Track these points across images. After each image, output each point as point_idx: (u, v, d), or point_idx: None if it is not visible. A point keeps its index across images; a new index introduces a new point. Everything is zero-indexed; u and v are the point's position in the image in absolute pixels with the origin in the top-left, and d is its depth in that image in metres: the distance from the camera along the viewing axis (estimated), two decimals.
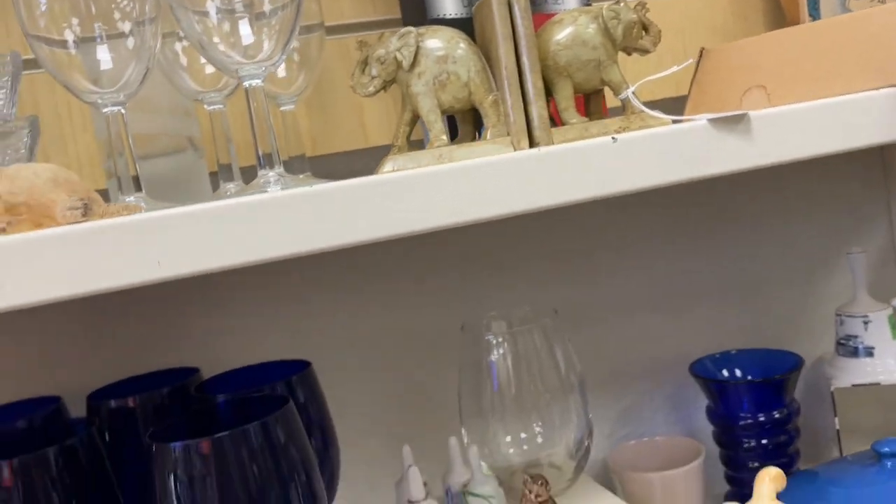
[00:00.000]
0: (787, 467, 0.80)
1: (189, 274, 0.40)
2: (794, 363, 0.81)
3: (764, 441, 0.80)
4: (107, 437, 0.61)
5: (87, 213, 0.39)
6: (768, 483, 0.64)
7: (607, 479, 0.83)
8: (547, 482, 0.66)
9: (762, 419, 0.79)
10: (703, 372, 0.83)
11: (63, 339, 0.72)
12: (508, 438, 0.72)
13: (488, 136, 0.53)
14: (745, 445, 0.80)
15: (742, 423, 0.80)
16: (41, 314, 0.71)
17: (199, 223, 0.40)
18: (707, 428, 0.85)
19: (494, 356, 0.72)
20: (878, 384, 0.82)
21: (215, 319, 0.76)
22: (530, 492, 0.65)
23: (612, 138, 0.47)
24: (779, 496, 0.64)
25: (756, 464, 0.78)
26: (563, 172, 0.46)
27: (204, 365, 0.70)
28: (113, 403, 0.62)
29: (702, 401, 0.85)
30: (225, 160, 0.64)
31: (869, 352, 0.83)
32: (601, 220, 0.89)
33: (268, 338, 0.76)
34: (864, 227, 0.98)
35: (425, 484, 0.68)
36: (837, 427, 0.84)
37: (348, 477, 0.80)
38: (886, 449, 0.71)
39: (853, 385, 0.83)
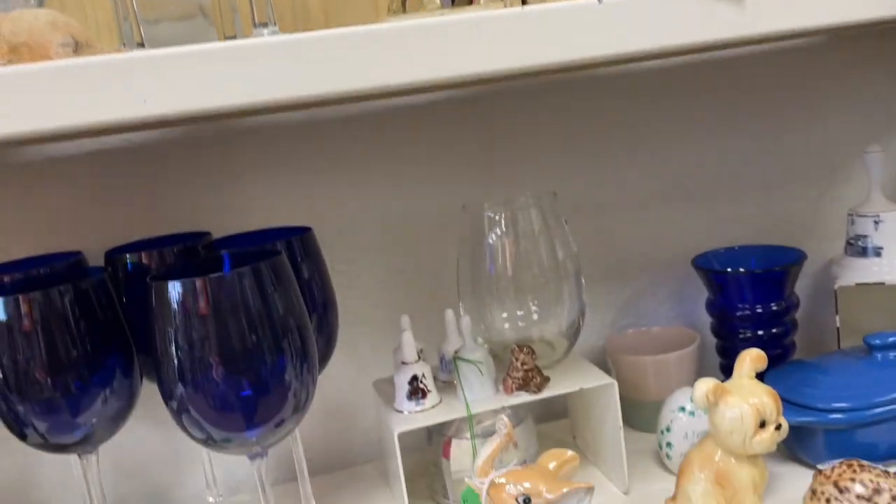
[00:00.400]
0: (781, 359, 0.81)
1: (174, 114, 0.42)
2: (795, 257, 0.81)
3: (760, 332, 0.81)
4: (122, 290, 0.66)
5: (78, 50, 0.41)
6: (748, 363, 0.65)
7: (603, 364, 0.85)
8: (533, 351, 0.68)
9: (759, 310, 0.80)
10: (706, 264, 0.84)
11: (82, 203, 0.76)
12: (504, 315, 0.75)
13: (482, 2, 0.53)
14: (741, 336, 0.81)
15: (739, 313, 0.81)
16: (61, 176, 0.76)
17: (187, 64, 0.42)
18: (707, 324, 0.86)
19: (492, 234, 0.73)
20: (882, 283, 0.82)
21: (228, 190, 0.80)
22: (517, 359, 0.68)
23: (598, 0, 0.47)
24: (767, 381, 0.66)
25: None
26: (547, 31, 0.47)
27: (215, 231, 0.74)
28: (128, 257, 0.67)
29: (704, 297, 0.86)
30: (230, 32, 0.65)
31: (877, 252, 0.83)
32: (615, 108, 0.89)
33: (278, 213, 0.79)
34: (890, 127, 0.95)
35: (420, 351, 0.71)
36: (838, 325, 0.84)
37: (353, 346, 0.85)
38: (877, 341, 0.72)
39: (857, 284, 0.82)
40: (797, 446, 0.71)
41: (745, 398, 0.63)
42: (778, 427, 0.63)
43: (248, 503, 0.79)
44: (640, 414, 0.82)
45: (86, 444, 0.61)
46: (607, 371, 0.82)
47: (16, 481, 0.78)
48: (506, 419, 0.60)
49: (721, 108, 0.92)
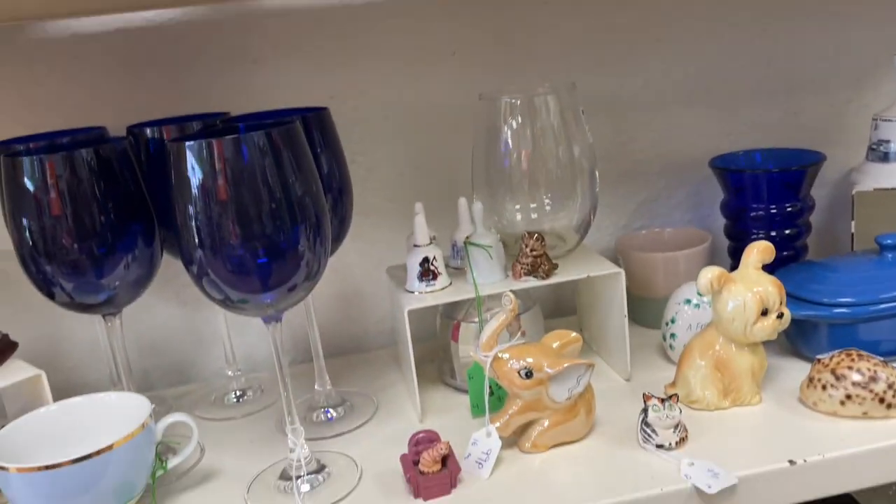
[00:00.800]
0: (791, 261, 0.81)
1: None
2: (813, 158, 0.81)
3: (773, 234, 0.81)
4: (143, 165, 0.67)
5: None
6: (755, 253, 0.66)
7: (613, 262, 0.86)
8: (543, 238, 0.70)
9: (773, 211, 0.80)
10: (723, 164, 0.84)
11: (105, 80, 0.78)
12: (517, 206, 0.76)
13: None
14: (754, 237, 0.82)
15: (753, 213, 0.81)
16: (85, 54, 0.77)
17: None
18: (721, 231, 0.87)
19: (508, 124, 0.74)
20: None
21: (247, 73, 0.80)
22: (526, 245, 0.70)
23: None
24: (777, 273, 0.66)
25: None
26: None
27: (234, 112, 0.75)
28: (148, 132, 0.68)
29: (719, 204, 0.86)
30: None
31: None
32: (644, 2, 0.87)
33: (295, 100, 0.80)
34: None
35: (433, 238, 0.73)
36: (853, 231, 0.84)
37: (368, 238, 0.87)
38: (889, 241, 0.72)
39: (875, 189, 0.82)
40: (799, 341, 0.72)
41: (749, 286, 0.64)
42: (780, 316, 0.64)
43: (265, 379, 0.83)
44: (647, 311, 0.83)
45: (110, 305, 0.64)
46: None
47: (46, 350, 0.82)
48: (511, 295, 0.61)
49: (749, 6, 0.90)
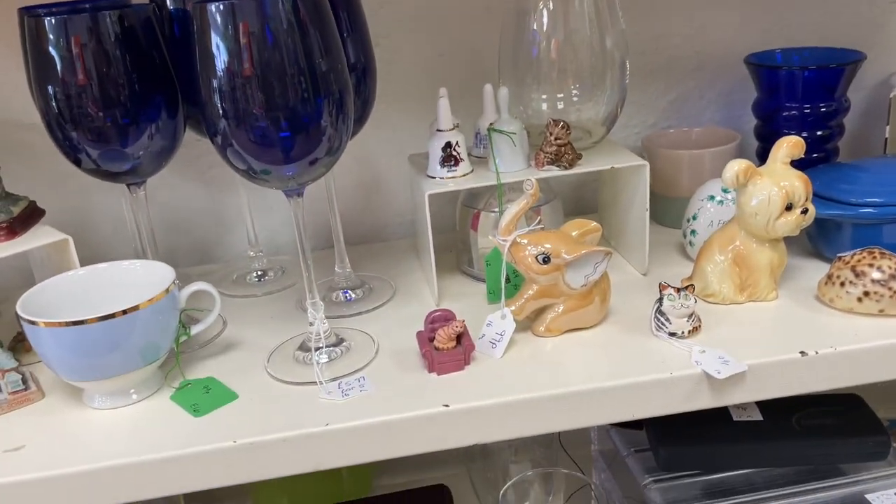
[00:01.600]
0: (822, 163, 0.80)
1: None
2: (852, 57, 0.78)
3: (804, 134, 0.79)
4: (167, 37, 0.67)
5: None
6: (785, 148, 0.65)
7: None
8: (568, 127, 0.69)
9: (807, 111, 0.78)
10: (758, 60, 0.81)
11: None
12: (543, 96, 0.74)
13: None
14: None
15: (786, 113, 0.79)
16: None
17: None
18: (752, 133, 0.85)
19: (539, 9, 0.71)
20: None
21: None
22: (550, 133, 0.69)
23: None
24: (805, 173, 0.65)
25: None
26: None
27: None
28: (170, 1, 0.67)
29: (751, 105, 0.84)
30: None
31: None
32: None
33: None
34: None
35: (457, 125, 0.72)
36: (886, 136, 0.82)
37: (391, 125, 0.86)
38: None
39: None
40: (821, 241, 0.71)
41: (776, 180, 0.63)
42: (804, 212, 0.63)
43: (287, 261, 0.84)
44: (670, 211, 0.83)
45: (135, 175, 0.65)
46: None
47: (73, 223, 0.83)
48: (533, 180, 0.61)
49: None
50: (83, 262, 0.65)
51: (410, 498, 0.78)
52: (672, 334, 0.61)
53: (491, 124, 0.70)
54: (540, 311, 0.65)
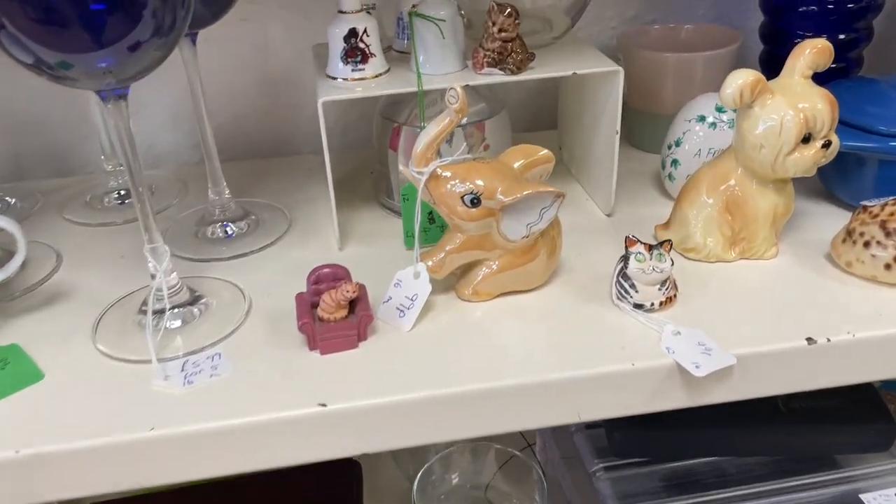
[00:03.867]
0: (842, 75, 0.63)
1: None
2: None
3: (823, 36, 0.62)
4: None
5: None
6: (808, 55, 0.48)
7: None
8: (517, 14, 0.50)
9: (830, 7, 0.61)
10: None
11: None
12: None
13: None
14: (798, 40, 0.62)
15: (802, 8, 0.61)
16: None
17: None
18: (756, 30, 0.67)
19: None
20: None
21: None
22: (493, 24, 0.51)
23: None
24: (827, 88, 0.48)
25: None
26: None
27: None
28: None
29: None
30: None
31: None
32: None
33: None
34: None
35: (372, 6, 0.53)
36: None
37: (298, 6, 0.67)
38: None
39: None
40: (838, 182, 0.56)
41: (793, 101, 0.46)
42: (826, 145, 0.47)
43: (161, 178, 0.67)
44: (650, 131, 0.66)
45: None
46: None
47: None
48: (458, 89, 0.43)
49: None
50: None
51: (312, 475, 0.64)
52: (638, 306, 0.46)
53: (414, 6, 0.52)
54: (468, 268, 0.49)
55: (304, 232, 0.58)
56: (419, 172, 0.45)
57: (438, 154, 0.46)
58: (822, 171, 0.55)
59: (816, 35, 0.61)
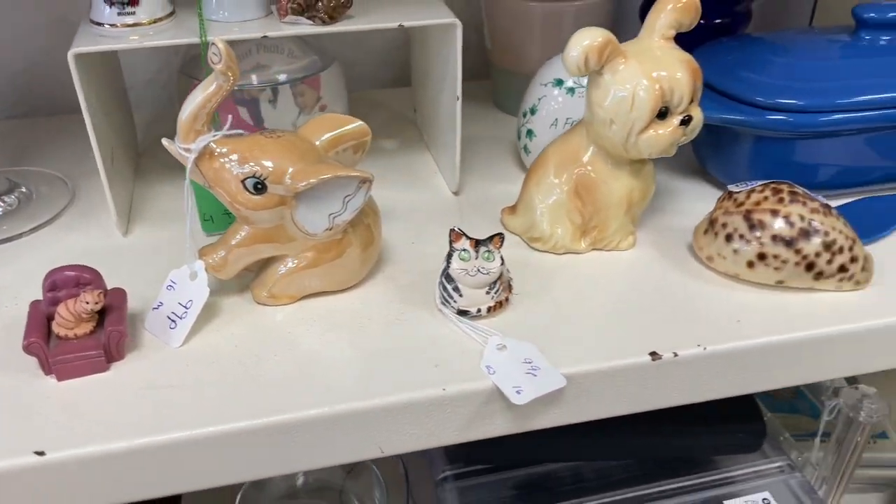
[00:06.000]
0: (724, 34, 0.56)
1: None
2: None
3: None
4: None
5: None
6: (669, 12, 0.40)
7: (474, 16, 0.59)
8: None
9: None
10: None
11: None
12: None
13: None
14: None
15: None
16: None
17: None
18: None
19: None
20: None
21: None
22: None
23: None
24: (695, 54, 0.41)
25: None
26: None
27: None
28: None
29: None
30: None
31: None
32: None
33: None
34: None
35: None
36: None
37: None
38: (871, 14, 0.47)
39: None
40: (711, 158, 0.49)
41: (648, 68, 0.38)
42: (685, 121, 0.40)
43: None
44: (515, 93, 0.57)
45: None
46: (480, 27, 0.57)
47: None
48: (220, 45, 0.34)
49: None
50: None
51: None
52: (462, 312, 0.38)
53: None
54: (266, 264, 0.40)
55: (88, 210, 0.48)
56: (186, 148, 0.36)
57: (211, 126, 0.37)
58: (696, 144, 0.48)
59: None
